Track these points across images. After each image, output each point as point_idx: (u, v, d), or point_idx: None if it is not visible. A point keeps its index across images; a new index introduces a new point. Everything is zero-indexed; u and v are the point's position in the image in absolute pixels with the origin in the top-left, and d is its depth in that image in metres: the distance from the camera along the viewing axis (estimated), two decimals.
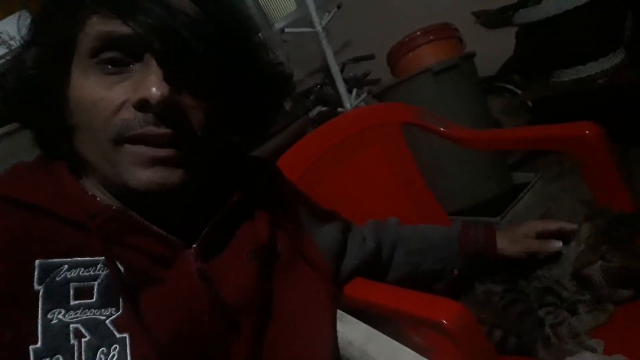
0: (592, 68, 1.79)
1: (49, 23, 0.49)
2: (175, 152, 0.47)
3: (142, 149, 0.46)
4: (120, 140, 0.46)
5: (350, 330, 0.61)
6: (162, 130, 0.46)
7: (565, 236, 0.77)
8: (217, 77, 0.51)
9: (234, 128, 0.57)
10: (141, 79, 0.46)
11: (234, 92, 0.54)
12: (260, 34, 0.60)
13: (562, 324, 0.70)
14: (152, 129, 0.46)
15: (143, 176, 0.46)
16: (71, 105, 0.48)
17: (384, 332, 0.61)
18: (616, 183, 0.88)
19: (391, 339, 0.57)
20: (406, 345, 0.58)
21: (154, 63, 0.46)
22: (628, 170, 1.63)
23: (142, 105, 0.45)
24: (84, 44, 0.47)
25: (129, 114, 0.46)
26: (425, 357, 0.56)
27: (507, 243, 0.79)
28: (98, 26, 0.46)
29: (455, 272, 0.82)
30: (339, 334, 0.62)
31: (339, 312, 0.64)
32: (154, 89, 0.45)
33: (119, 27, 0.45)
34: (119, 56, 0.46)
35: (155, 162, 0.47)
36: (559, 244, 0.75)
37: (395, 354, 0.55)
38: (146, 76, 0.46)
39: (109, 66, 0.47)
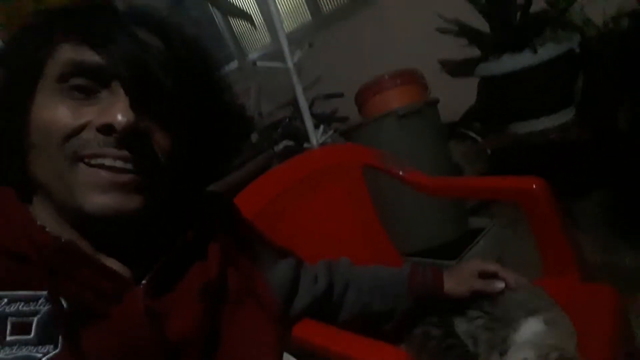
0: (545, 123, 1.90)
1: (19, 47, 0.50)
2: (135, 177, 0.48)
3: (101, 173, 0.46)
4: (76, 158, 0.46)
5: None
6: (122, 152, 0.47)
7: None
8: (181, 111, 0.52)
9: (193, 163, 0.58)
10: (107, 105, 0.47)
11: (196, 127, 0.55)
12: (224, 73, 0.62)
13: (490, 331, 0.73)
14: (111, 150, 0.47)
15: (99, 200, 0.46)
16: (31, 125, 0.48)
17: None
18: (559, 234, 0.93)
19: None
20: None
21: (121, 91, 0.48)
22: (572, 223, 1.71)
23: (106, 129, 0.46)
24: (53, 69, 0.48)
25: (89, 135, 0.47)
26: None
27: (454, 284, 0.82)
28: (69, 53, 0.47)
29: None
30: None
31: (285, 354, 0.64)
32: (119, 116, 0.46)
33: (89, 56, 0.47)
34: (87, 84, 0.47)
35: (113, 187, 0.47)
36: (501, 285, 0.79)
37: None
38: (113, 103, 0.47)
39: (76, 92, 0.47)
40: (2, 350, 0.42)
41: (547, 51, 1.78)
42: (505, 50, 1.87)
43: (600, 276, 0.95)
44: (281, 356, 0.63)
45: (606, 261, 1.57)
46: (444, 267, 0.84)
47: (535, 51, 1.78)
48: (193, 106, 0.54)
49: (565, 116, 1.90)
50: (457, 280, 0.82)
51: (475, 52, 2.12)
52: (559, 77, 1.85)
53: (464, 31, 2.10)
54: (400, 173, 1.16)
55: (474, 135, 2.29)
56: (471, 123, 2.37)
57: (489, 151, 2.22)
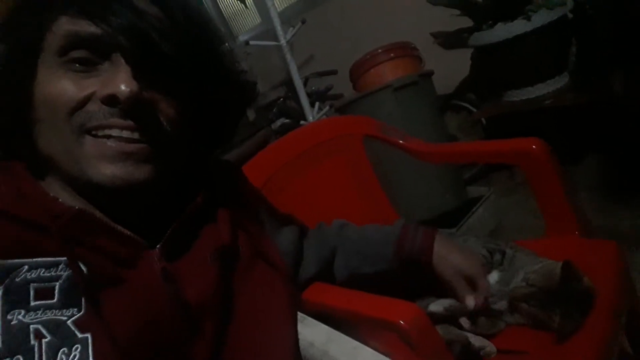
0: (540, 89, 1.91)
1: (17, 22, 0.50)
2: (142, 146, 0.48)
3: (108, 143, 0.47)
4: (83, 131, 0.47)
5: (311, 331, 0.62)
6: (128, 122, 0.47)
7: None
8: (184, 78, 0.52)
9: (199, 130, 0.58)
10: (110, 76, 0.47)
11: (200, 95, 0.56)
12: (225, 43, 0.62)
13: None
14: (117, 121, 0.47)
15: (108, 171, 0.47)
16: (35, 100, 0.48)
17: None
18: (560, 193, 0.94)
19: (351, 339, 0.59)
20: None
21: (122, 62, 0.48)
22: (571, 185, 1.74)
23: (110, 100, 0.46)
24: (53, 43, 0.47)
25: (94, 107, 0.47)
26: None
27: (443, 259, 0.75)
28: (67, 25, 0.47)
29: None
30: (300, 336, 0.63)
31: (300, 314, 0.65)
32: (122, 86, 0.46)
33: (87, 27, 0.47)
34: (87, 55, 0.47)
35: (121, 156, 0.47)
36: (471, 305, 0.71)
37: (355, 353, 0.57)
38: (115, 74, 0.47)
39: (77, 65, 0.47)
40: (27, 315, 0.42)
41: (540, 18, 1.78)
42: (498, 19, 1.87)
43: (597, 238, 0.97)
44: (296, 315, 0.65)
45: (602, 224, 1.60)
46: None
47: (528, 19, 1.78)
48: (195, 73, 0.54)
49: (559, 82, 1.91)
50: (446, 255, 0.76)
51: (467, 22, 2.12)
52: (553, 44, 1.85)
53: (456, 2, 2.09)
54: (400, 141, 1.17)
55: (468, 106, 2.29)
56: (465, 94, 2.37)
57: (484, 121, 2.23)
